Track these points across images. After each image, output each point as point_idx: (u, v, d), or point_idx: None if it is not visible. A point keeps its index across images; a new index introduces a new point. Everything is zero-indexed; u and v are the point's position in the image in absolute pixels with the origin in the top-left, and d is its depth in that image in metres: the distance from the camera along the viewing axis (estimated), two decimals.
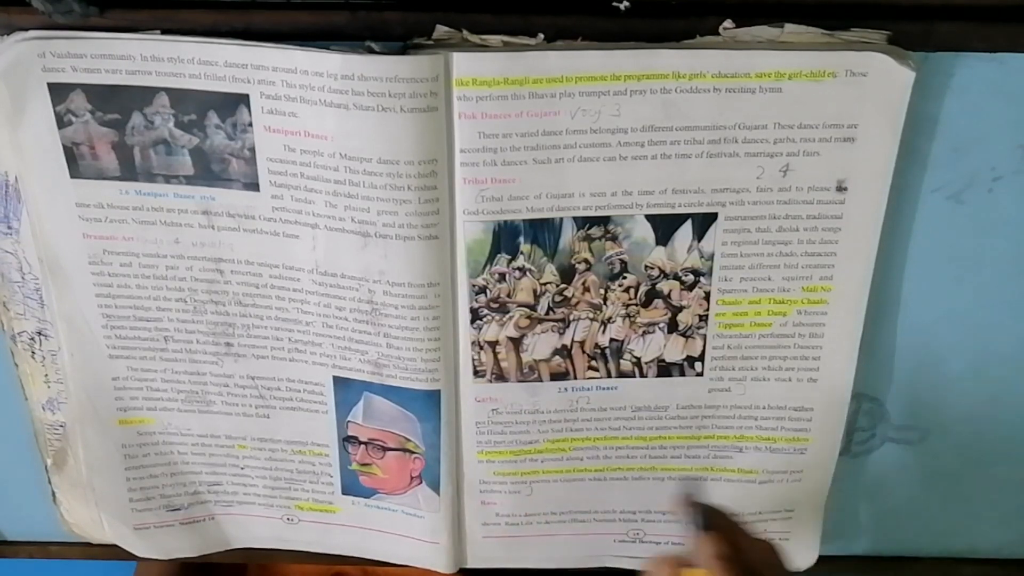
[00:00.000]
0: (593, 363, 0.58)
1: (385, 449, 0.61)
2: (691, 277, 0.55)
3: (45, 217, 0.54)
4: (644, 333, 0.57)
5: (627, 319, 0.56)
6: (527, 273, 0.55)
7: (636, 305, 0.56)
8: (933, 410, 0.60)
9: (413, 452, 0.60)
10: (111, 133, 0.52)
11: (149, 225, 0.54)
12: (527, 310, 0.56)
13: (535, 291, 0.55)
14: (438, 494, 0.62)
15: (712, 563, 0.49)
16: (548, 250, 0.54)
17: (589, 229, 0.53)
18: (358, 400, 0.59)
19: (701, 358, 0.57)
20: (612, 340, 0.57)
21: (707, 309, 0.56)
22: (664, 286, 0.55)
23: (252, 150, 0.51)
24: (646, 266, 0.54)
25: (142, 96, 0.50)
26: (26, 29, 0.49)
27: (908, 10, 0.48)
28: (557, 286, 0.55)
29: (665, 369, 0.58)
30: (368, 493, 0.63)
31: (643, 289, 0.55)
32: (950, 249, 0.54)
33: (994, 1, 0.48)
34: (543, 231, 0.53)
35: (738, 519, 0.53)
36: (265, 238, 0.54)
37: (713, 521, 0.52)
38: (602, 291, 0.55)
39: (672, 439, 0.60)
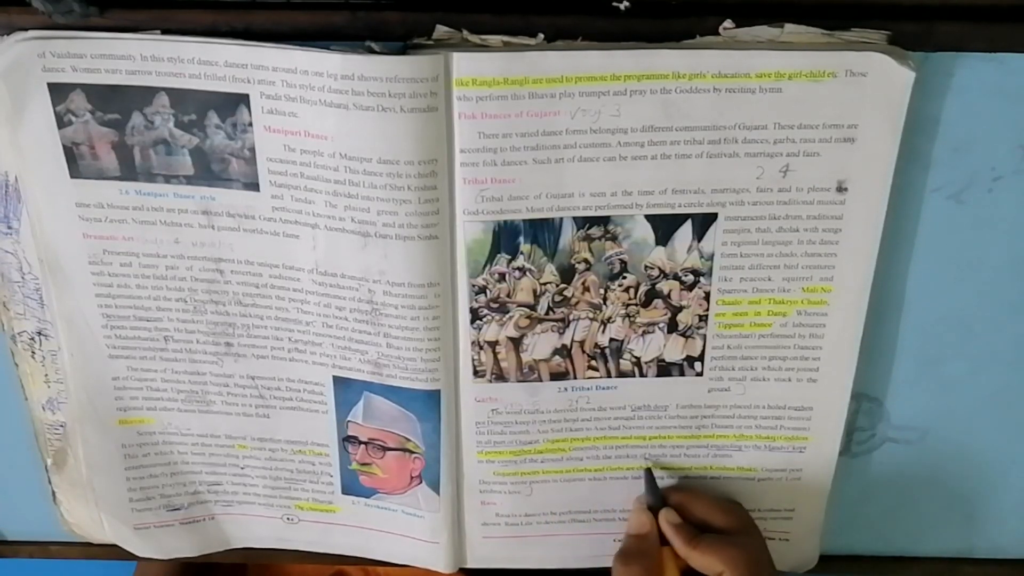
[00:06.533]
0: (593, 363, 0.58)
1: (385, 449, 0.61)
2: (691, 277, 0.55)
3: (45, 217, 0.54)
4: (644, 333, 0.57)
5: (627, 319, 0.56)
6: (527, 273, 0.55)
7: (636, 305, 0.56)
8: (933, 410, 0.60)
9: (413, 452, 0.60)
10: (111, 133, 0.52)
11: (149, 225, 0.54)
12: (527, 310, 0.56)
13: (535, 291, 0.55)
14: (438, 494, 0.62)
15: (669, 532, 0.57)
16: (548, 250, 0.54)
17: (589, 229, 0.53)
18: (358, 400, 0.59)
19: (701, 358, 0.57)
20: (612, 340, 0.57)
21: (707, 309, 0.56)
22: (664, 286, 0.55)
23: (252, 150, 0.51)
24: (646, 266, 0.54)
25: (142, 96, 0.50)
26: (26, 29, 0.49)
27: (908, 10, 0.48)
28: (557, 286, 0.55)
29: (665, 369, 0.58)
30: (368, 493, 0.63)
31: (643, 289, 0.55)
32: (950, 249, 0.54)
33: (994, 1, 0.48)
34: (543, 231, 0.53)
35: (695, 490, 0.60)
36: (265, 238, 0.54)
37: (666, 499, 0.59)
38: (602, 291, 0.55)
39: (672, 439, 0.60)
